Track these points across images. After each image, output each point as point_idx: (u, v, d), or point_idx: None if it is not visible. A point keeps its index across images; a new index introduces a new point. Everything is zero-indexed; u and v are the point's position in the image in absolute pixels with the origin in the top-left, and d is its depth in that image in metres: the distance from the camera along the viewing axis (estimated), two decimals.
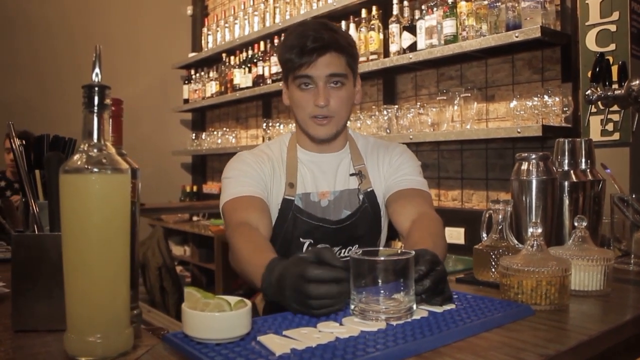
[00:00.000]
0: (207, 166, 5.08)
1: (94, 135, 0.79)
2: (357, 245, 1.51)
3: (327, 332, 0.87)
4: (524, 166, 1.37)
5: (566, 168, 1.45)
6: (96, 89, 0.78)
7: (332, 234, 1.49)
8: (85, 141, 0.78)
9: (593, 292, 1.15)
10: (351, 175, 1.55)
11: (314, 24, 1.49)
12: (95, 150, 0.78)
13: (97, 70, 0.80)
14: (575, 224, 1.21)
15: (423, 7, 2.75)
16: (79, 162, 0.77)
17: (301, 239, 1.48)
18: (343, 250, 1.51)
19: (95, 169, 0.76)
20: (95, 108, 0.78)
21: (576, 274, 1.15)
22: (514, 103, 2.50)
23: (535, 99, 2.39)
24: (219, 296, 0.84)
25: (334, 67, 1.43)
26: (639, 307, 1.07)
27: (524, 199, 1.36)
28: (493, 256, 1.23)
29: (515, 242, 1.25)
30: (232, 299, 0.84)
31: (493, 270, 1.23)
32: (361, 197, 1.53)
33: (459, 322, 0.92)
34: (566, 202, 1.42)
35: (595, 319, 1.03)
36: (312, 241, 1.48)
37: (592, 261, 1.14)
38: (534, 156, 1.36)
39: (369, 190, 1.54)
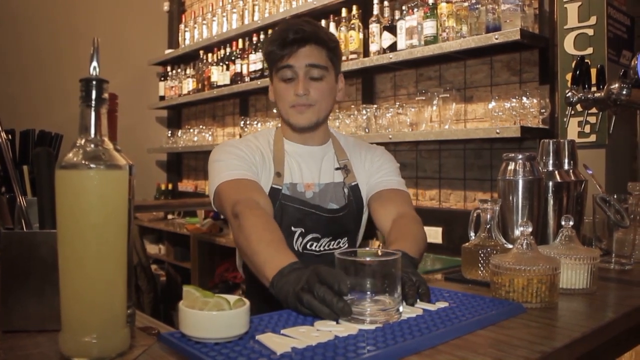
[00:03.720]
0: (183, 164, 5.03)
1: (91, 130, 0.77)
2: (345, 239, 1.54)
3: (325, 330, 0.87)
4: (511, 166, 1.39)
5: (551, 168, 1.47)
6: (94, 82, 0.76)
7: (324, 224, 1.50)
8: (81, 136, 0.76)
9: (580, 290, 1.17)
10: (336, 169, 1.57)
11: (297, 20, 1.53)
12: (92, 146, 0.76)
13: (94, 63, 0.78)
14: (563, 223, 1.23)
15: (403, 7, 2.77)
16: (75, 158, 0.75)
17: (292, 228, 1.48)
18: (332, 242, 1.52)
19: (93, 165, 0.74)
20: (93, 102, 0.76)
21: (564, 273, 1.17)
22: (492, 104, 2.54)
23: (513, 100, 2.43)
24: (218, 295, 0.82)
25: (314, 58, 1.47)
26: (625, 304, 1.10)
27: (510, 198, 1.38)
28: (482, 255, 1.24)
29: (503, 240, 1.26)
30: (231, 298, 0.83)
31: (482, 268, 1.24)
32: (346, 190, 1.55)
33: (454, 320, 0.92)
34: (551, 201, 1.44)
35: (585, 316, 1.05)
36: (303, 230, 1.49)
37: (579, 260, 1.16)
38: (520, 156, 1.38)
39: (353, 184, 1.56)
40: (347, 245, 1.54)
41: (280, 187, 1.49)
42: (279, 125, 1.63)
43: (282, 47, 1.45)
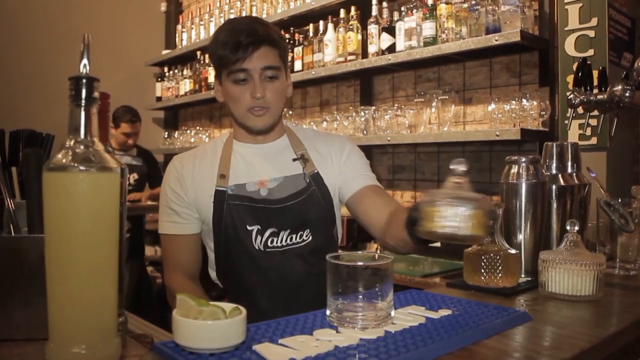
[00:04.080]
0: None
1: (80, 131, 0.73)
2: (308, 231, 1.50)
3: (324, 340, 0.83)
4: (514, 169, 1.36)
5: (554, 172, 1.44)
6: (84, 81, 0.73)
7: (277, 216, 1.47)
8: (71, 137, 0.73)
9: (585, 297, 1.14)
10: (294, 160, 1.56)
11: (244, 20, 1.54)
12: (82, 147, 0.73)
13: (85, 61, 0.74)
14: (568, 227, 1.20)
15: (402, 8, 2.74)
16: (64, 160, 0.71)
17: (248, 227, 1.46)
18: (293, 236, 1.48)
19: (83, 167, 0.71)
20: (83, 102, 0.73)
21: (569, 279, 1.14)
22: (491, 106, 2.51)
23: (513, 102, 2.40)
24: (214, 303, 0.79)
25: (270, 59, 1.46)
26: (633, 312, 1.07)
27: (513, 202, 1.35)
28: (484, 260, 1.21)
29: (507, 245, 1.23)
30: (227, 306, 0.80)
31: (484, 274, 1.21)
32: (307, 180, 1.53)
33: (458, 330, 0.89)
34: (554, 206, 1.41)
35: (592, 324, 1.02)
36: (259, 227, 1.46)
37: (584, 266, 1.13)
38: (524, 160, 1.35)
39: (314, 172, 1.54)
40: (310, 239, 1.49)
41: (226, 189, 1.49)
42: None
43: (236, 51, 1.43)
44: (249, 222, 1.46)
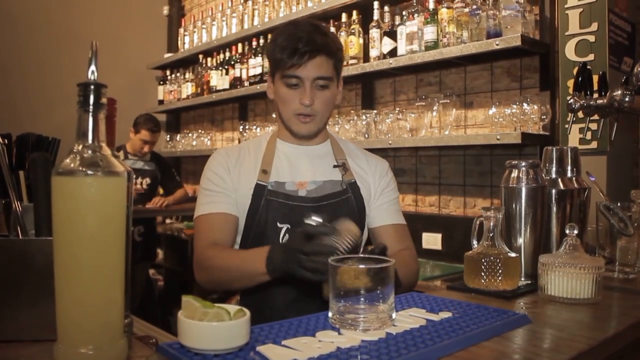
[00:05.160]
0: (182, 168, 5.00)
1: (88, 135, 0.75)
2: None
3: (327, 341, 0.85)
4: (514, 173, 1.37)
5: (554, 176, 1.46)
6: (92, 87, 0.74)
7: (309, 215, 1.47)
8: (79, 142, 0.75)
9: (584, 300, 1.16)
10: (335, 167, 1.58)
11: (306, 26, 1.51)
12: (89, 152, 0.74)
13: (92, 67, 0.76)
14: (567, 231, 1.21)
15: (404, 12, 2.76)
16: (72, 164, 0.73)
17: (278, 224, 1.48)
18: None
19: (91, 171, 0.72)
20: (91, 107, 0.74)
21: (568, 282, 1.15)
22: (492, 110, 2.52)
23: (514, 106, 2.41)
24: (218, 305, 0.81)
25: (323, 70, 1.48)
26: (631, 315, 1.08)
27: (513, 206, 1.36)
28: (485, 263, 1.22)
29: (507, 249, 1.25)
30: (232, 308, 0.81)
31: (485, 277, 1.22)
32: (344, 186, 1.55)
33: (458, 332, 0.90)
34: (554, 209, 1.42)
35: (590, 327, 1.03)
36: (289, 226, 1.48)
37: (584, 269, 1.15)
38: (524, 164, 1.36)
39: (352, 181, 1.57)
40: None
41: (266, 184, 1.51)
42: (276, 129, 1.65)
43: (292, 57, 1.44)
44: (280, 219, 1.48)
